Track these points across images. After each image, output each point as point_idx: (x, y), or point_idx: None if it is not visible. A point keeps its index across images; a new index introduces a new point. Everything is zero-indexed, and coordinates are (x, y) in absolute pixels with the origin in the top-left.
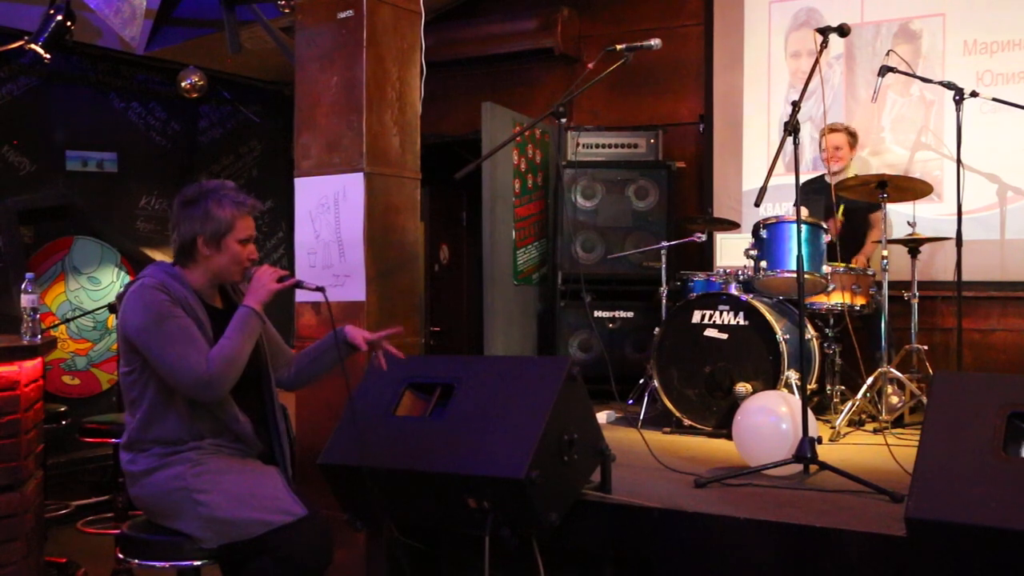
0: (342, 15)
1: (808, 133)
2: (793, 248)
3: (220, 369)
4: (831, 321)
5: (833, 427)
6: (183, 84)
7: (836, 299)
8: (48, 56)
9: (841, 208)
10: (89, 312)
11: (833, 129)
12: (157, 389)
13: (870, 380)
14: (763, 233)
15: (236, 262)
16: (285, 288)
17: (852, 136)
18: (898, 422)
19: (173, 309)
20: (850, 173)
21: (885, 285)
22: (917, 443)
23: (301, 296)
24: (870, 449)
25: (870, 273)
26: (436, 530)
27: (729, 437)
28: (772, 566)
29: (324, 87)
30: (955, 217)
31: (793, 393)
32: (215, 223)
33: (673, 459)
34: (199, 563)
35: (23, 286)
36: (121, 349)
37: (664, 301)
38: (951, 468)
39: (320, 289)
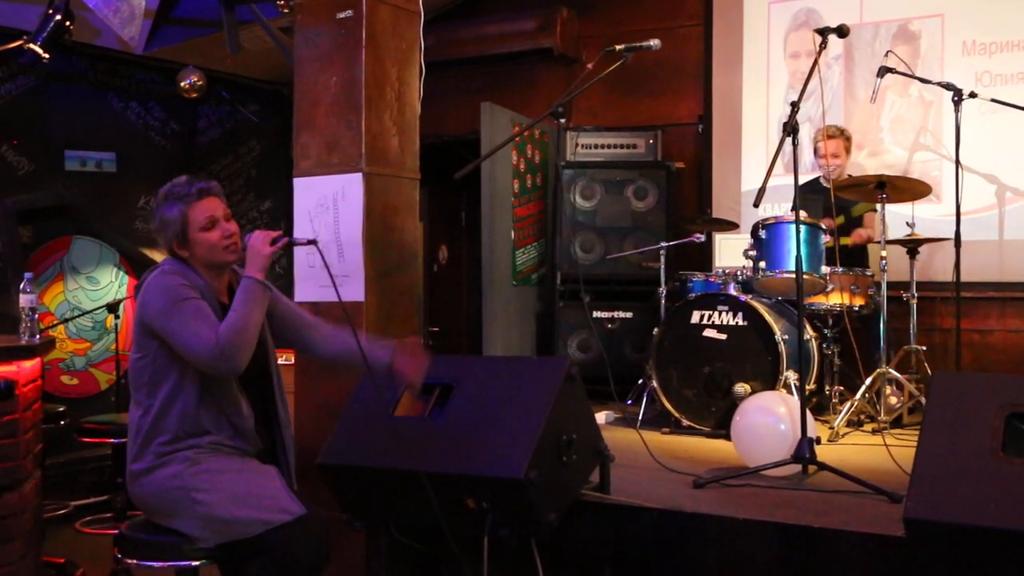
0: (341, 15)
1: (807, 134)
2: (792, 249)
3: (229, 339)
4: (830, 321)
5: (832, 427)
6: (182, 84)
7: (835, 300)
8: (47, 56)
9: (842, 216)
10: (88, 312)
11: (830, 135)
12: (166, 377)
13: (869, 380)
14: (762, 233)
15: (212, 247)
16: (280, 249)
17: (847, 139)
18: (897, 423)
19: (189, 292)
20: (845, 175)
21: (884, 286)
22: (916, 443)
23: (301, 295)
24: (869, 450)
25: (869, 274)
26: (435, 530)
27: (728, 437)
28: (771, 566)
29: (323, 87)
30: (954, 218)
31: (792, 393)
32: (171, 226)
33: (672, 459)
34: (197, 563)
35: (21, 286)
36: (135, 335)
37: (663, 301)
38: (950, 468)
39: (312, 242)
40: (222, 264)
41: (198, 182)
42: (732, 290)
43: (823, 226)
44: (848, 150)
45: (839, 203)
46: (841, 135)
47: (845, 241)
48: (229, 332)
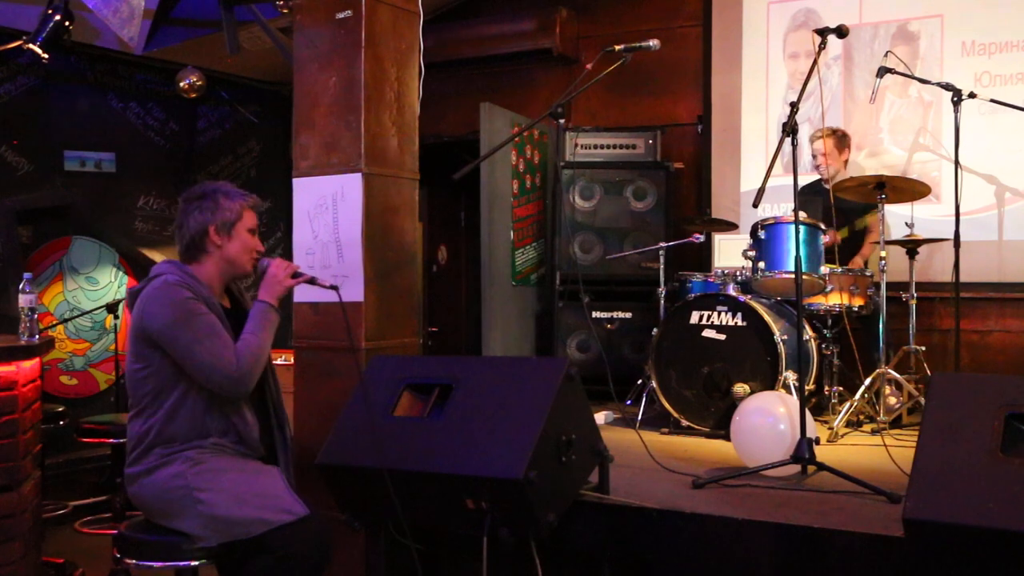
0: (340, 15)
1: (806, 134)
2: (791, 249)
3: (248, 364)
4: (829, 322)
5: (831, 428)
6: (181, 84)
7: (834, 300)
8: (46, 56)
9: (845, 230)
10: (87, 312)
11: (818, 136)
12: (172, 388)
13: (868, 381)
14: (761, 234)
15: (247, 250)
16: (298, 284)
17: (840, 139)
18: (896, 423)
19: (198, 305)
20: (847, 175)
21: (883, 286)
22: (915, 444)
23: (300, 296)
24: (868, 450)
25: (868, 274)
26: (434, 530)
27: (727, 438)
28: (770, 567)
29: (322, 87)
30: (953, 218)
31: (791, 394)
32: (225, 212)
33: (671, 460)
34: (197, 563)
35: (21, 286)
36: (133, 346)
37: (662, 302)
38: (949, 469)
39: (334, 288)
40: (239, 271)
41: (252, 195)
42: (731, 290)
43: (822, 230)
44: (840, 148)
45: (840, 205)
46: (832, 135)
47: (852, 262)
48: (248, 356)
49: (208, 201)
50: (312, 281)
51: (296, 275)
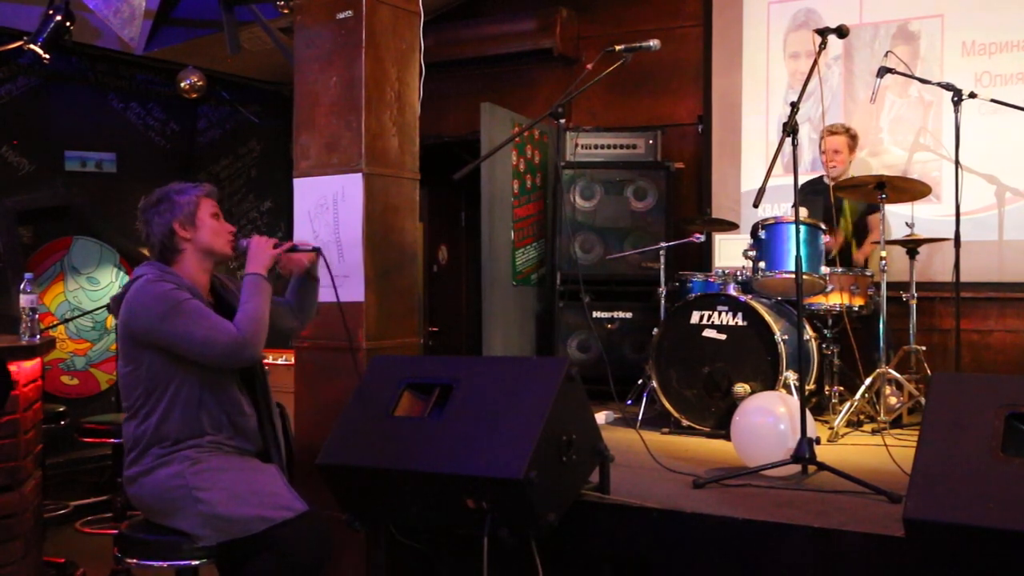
0: (341, 16)
1: (807, 134)
2: (791, 249)
3: (248, 328)
4: (829, 322)
5: (831, 428)
6: (182, 84)
7: (834, 300)
8: (47, 56)
9: (846, 228)
10: (88, 312)
11: (833, 132)
12: (165, 385)
13: (868, 381)
14: (762, 234)
15: (217, 233)
16: (282, 252)
17: (852, 138)
18: (896, 423)
19: (182, 293)
20: (849, 175)
21: (883, 286)
22: (915, 444)
23: None
24: (868, 450)
25: (868, 274)
26: (434, 530)
27: (727, 438)
28: (770, 566)
29: (323, 87)
30: (953, 218)
31: (791, 394)
32: (183, 207)
33: (671, 460)
34: (197, 563)
35: (22, 286)
36: (123, 348)
37: (663, 302)
38: (949, 469)
39: (316, 250)
40: (219, 254)
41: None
42: (732, 290)
43: (823, 229)
44: (852, 148)
45: (839, 204)
46: (845, 132)
47: (857, 256)
48: (248, 321)
49: (164, 203)
50: (294, 248)
51: (277, 245)
